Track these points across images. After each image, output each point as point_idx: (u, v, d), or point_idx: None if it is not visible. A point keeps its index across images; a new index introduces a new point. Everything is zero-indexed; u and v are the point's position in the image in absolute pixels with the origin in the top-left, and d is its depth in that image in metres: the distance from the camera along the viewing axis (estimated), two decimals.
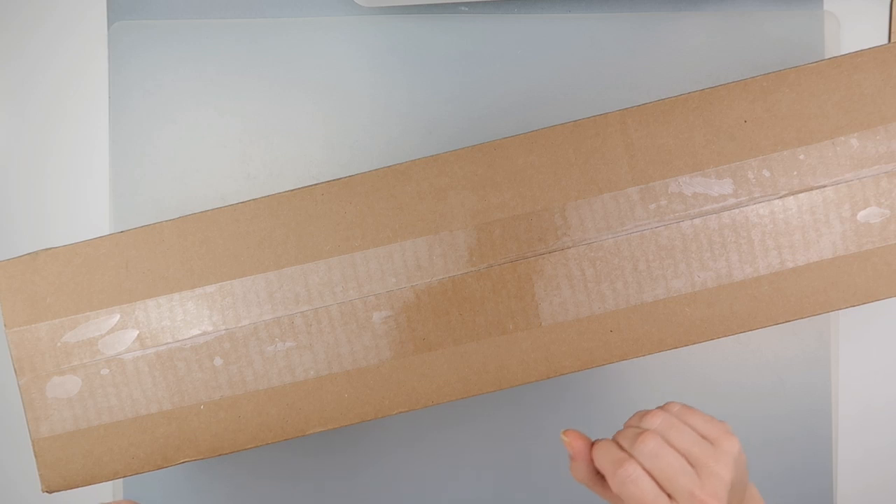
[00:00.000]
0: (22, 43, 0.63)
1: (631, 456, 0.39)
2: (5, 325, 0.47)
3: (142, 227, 0.47)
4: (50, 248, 0.47)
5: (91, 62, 0.63)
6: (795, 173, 0.45)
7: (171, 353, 0.47)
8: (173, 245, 0.47)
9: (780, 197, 0.45)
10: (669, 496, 0.38)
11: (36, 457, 0.47)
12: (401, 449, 0.63)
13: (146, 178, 0.62)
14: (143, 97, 0.63)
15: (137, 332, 0.47)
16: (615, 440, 0.41)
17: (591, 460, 0.41)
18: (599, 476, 0.41)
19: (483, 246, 0.46)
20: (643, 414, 0.41)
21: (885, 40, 0.63)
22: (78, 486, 0.48)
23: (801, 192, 0.45)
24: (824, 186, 0.45)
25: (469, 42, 0.63)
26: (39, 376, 0.47)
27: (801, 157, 0.45)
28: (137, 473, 0.47)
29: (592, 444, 0.42)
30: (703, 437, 0.39)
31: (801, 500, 0.62)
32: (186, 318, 0.46)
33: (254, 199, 0.46)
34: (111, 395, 0.47)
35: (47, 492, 0.48)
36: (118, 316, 0.47)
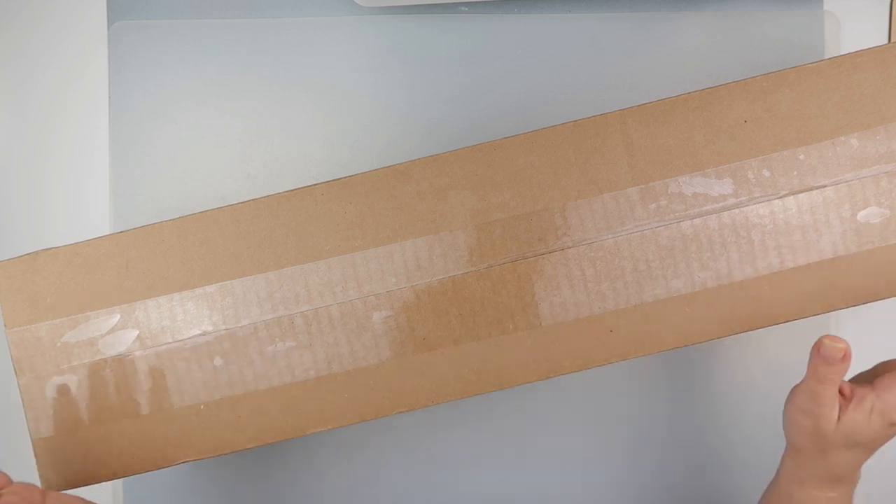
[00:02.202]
0: (22, 43, 0.63)
1: None
2: (5, 325, 0.47)
3: (142, 227, 0.47)
4: (50, 248, 0.47)
5: (91, 62, 0.63)
6: (795, 173, 0.45)
7: (171, 353, 0.47)
8: (173, 245, 0.47)
9: (780, 197, 0.45)
10: None
11: (36, 457, 0.48)
12: (401, 448, 0.63)
13: (146, 178, 0.62)
14: (143, 97, 0.63)
15: (137, 332, 0.47)
16: None
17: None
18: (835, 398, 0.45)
19: (483, 246, 0.46)
20: None
21: (886, 40, 0.63)
22: (78, 486, 0.48)
23: (801, 192, 0.45)
24: (824, 186, 0.45)
25: (469, 42, 0.63)
26: (39, 376, 0.47)
27: (801, 157, 0.45)
28: (137, 473, 0.47)
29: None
30: None
31: None
32: (186, 318, 0.46)
33: (254, 200, 0.46)
34: (111, 395, 0.47)
35: None
36: (118, 316, 0.47)
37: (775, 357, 0.63)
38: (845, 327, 0.63)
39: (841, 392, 0.45)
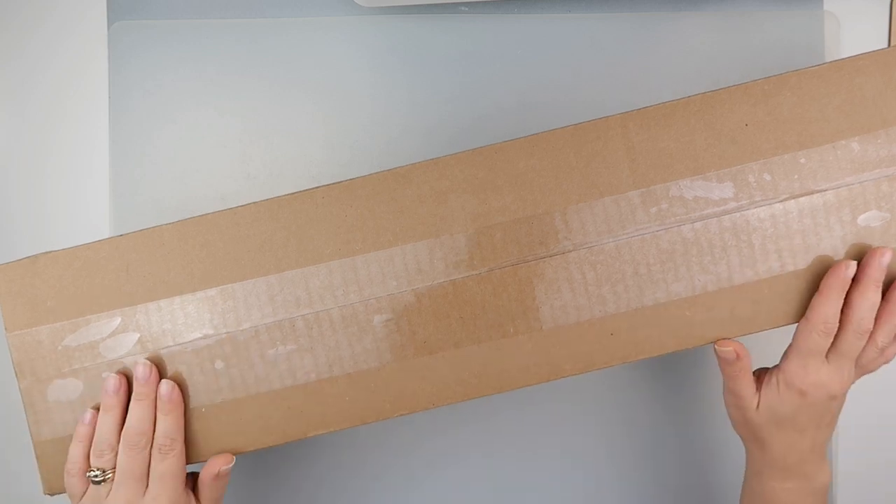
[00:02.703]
0: (22, 43, 0.63)
1: None
2: (6, 329, 0.47)
3: (142, 230, 0.47)
4: (50, 252, 0.47)
5: (91, 62, 0.63)
6: (796, 177, 0.45)
7: (172, 356, 0.47)
8: (174, 248, 0.47)
9: (781, 201, 0.45)
10: None
11: (38, 460, 0.48)
12: (401, 450, 0.63)
13: (146, 179, 0.62)
14: (143, 97, 0.62)
15: (138, 335, 0.47)
16: None
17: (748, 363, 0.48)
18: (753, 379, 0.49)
19: (484, 249, 0.46)
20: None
21: (886, 41, 0.63)
22: None
23: (801, 195, 0.45)
24: (825, 190, 0.45)
25: (469, 42, 0.63)
26: (41, 379, 0.47)
27: (802, 160, 0.45)
28: None
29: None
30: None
31: None
32: (187, 321, 0.46)
33: (254, 203, 0.46)
34: None
35: (49, 494, 0.48)
36: (119, 319, 0.47)
37: (775, 359, 0.63)
38: None
39: (758, 379, 0.50)
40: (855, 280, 0.45)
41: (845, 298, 0.45)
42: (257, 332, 0.46)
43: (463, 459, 0.63)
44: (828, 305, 0.45)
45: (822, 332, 0.45)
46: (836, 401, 0.47)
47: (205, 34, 0.62)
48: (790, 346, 0.48)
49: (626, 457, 0.64)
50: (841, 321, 0.45)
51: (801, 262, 0.45)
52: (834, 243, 0.45)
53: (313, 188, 0.46)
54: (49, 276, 0.47)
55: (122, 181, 0.62)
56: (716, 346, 0.47)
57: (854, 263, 0.44)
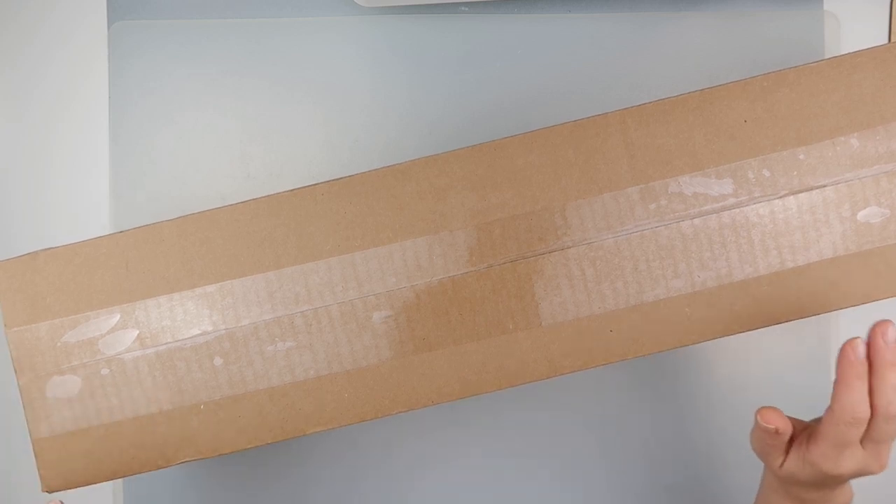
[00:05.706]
0: (22, 43, 0.63)
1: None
2: (5, 325, 0.47)
3: (142, 226, 0.47)
4: (50, 248, 0.47)
5: (91, 62, 0.63)
6: (795, 173, 0.45)
7: (171, 352, 0.47)
8: (173, 245, 0.47)
9: (780, 197, 0.45)
10: None
11: (36, 457, 0.47)
12: (400, 448, 0.63)
13: (146, 178, 0.62)
14: (143, 97, 0.63)
15: (137, 331, 0.47)
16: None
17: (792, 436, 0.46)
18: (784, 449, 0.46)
19: (483, 246, 0.46)
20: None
21: (886, 40, 0.63)
22: (78, 486, 0.48)
23: (801, 191, 0.45)
24: (824, 186, 0.45)
25: (469, 42, 0.63)
26: (39, 376, 0.47)
27: (801, 156, 0.45)
28: (137, 473, 0.47)
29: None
30: None
31: None
32: (186, 317, 0.46)
33: (254, 199, 0.46)
34: (111, 395, 0.47)
35: (47, 492, 0.48)
36: (118, 316, 0.47)
37: (775, 357, 0.63)
38: (846, 327, 0.63)
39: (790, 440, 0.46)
40: (869, 364, 0.42)
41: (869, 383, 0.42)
42: (256, 329, 0.46)
43: (461, 457, 0.63)
44: (850, 394, 0.42)
45: (850, 423, 0.42)
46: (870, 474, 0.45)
47: (205, 34, 0.62)
48: (819, 431, 0.44)
49: (624, 455, 0.63)
50: (870, 405, 0.42)
51: (800, 258, 0.45)
52: (834, 239, 0.45)
53: (313, 185, 0.46)
54: (49, 272, 0.47)
55: (122, 181, 0.62)
56: (758, 417, 0.45)
57: (860, 344, 0.41)
